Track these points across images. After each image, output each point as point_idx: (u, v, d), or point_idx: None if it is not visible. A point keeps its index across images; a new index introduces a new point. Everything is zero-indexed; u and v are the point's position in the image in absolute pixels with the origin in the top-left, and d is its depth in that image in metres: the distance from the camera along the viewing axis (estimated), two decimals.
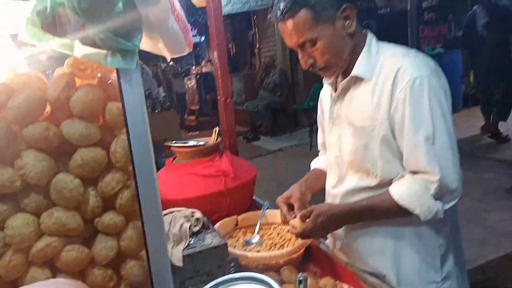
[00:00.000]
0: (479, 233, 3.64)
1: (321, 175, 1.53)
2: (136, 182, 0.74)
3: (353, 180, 1.28)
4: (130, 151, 0.73)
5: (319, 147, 1.61)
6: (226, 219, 1.60)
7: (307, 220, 1.22)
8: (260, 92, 8.07)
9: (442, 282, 1.22)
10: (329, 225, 1.22)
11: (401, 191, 1.14)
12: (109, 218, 0.74)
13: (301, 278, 0.81)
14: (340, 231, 1.35)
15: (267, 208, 1.70)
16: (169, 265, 0.77)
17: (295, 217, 1.33)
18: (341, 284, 1.30)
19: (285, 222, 1.40)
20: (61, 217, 0.70)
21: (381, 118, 1.15)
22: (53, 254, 0.70)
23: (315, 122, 1.63)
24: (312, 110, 6.86)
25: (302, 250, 1.43)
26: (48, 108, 0.74)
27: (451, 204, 1.13)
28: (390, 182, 1.21)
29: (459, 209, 1.34)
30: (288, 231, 1.60)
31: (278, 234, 1.60)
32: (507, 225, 3.81)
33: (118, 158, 0.74)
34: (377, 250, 1.27)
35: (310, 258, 1.45)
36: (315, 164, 1.61)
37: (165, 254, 0.75)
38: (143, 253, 0.81)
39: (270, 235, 1.59)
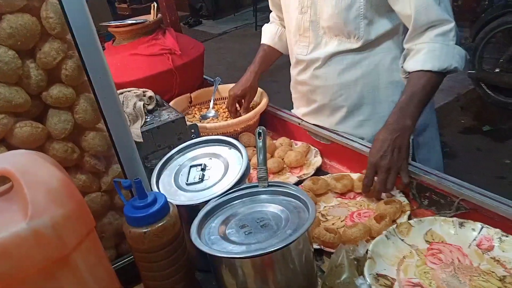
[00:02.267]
0: None
1: (272, 52, 1.52)
2: (78, 51, 0.70)
3: (331, 45, 1.22)
4: (65, 16, 0.67)
5: (271, 6, 1.52)
6: (179, 98, 1.60)
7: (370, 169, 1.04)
8: None
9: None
10: (401, 144, 1.03)
11: (427, 59, 1.06)
12: (57, 91, 0.71)
13: (260, 131, 0.86)
14: (317, 93, 1.32)
15: (219, 84, 1.70)
16: (128, 130, 0.78)
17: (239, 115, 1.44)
18: (295, 142, 1.41)
19: (232, 112, 1.50)
20: (4, 93, 0.66)
21: None
22: (4, 131, 0.68)
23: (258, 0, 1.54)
24: None
25: (258, 116, 1.49)
26: None
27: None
28: (372, 43, 1.18)
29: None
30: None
31: None
32: None
33: (52, 25, 0.68)
34: (355, 107, 1.28)
35: (265, 124, 1.52)
36: (266, 35, 1.54)
37: (122, 120, 0.75)
38: (102, 126, 0.80)
39: (225, 108, 1.63)
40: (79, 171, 0.80)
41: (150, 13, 1.73)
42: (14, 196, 0.59)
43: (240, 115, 1.48)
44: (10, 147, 0.70)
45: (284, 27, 1.45)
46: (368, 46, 1.19)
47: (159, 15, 1.71)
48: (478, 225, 0.86)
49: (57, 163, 0.66)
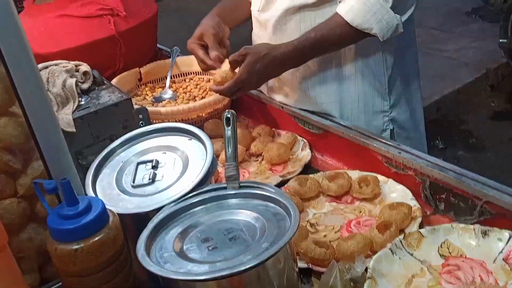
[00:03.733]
0: (435, 66, 4.03)
1: (238, 1, 1.51)
2: None
3: (285, 0, 1.30)
4: None
5: None
6: (124, 73, 1.60)
7: (238, 68, 1.24)
8: None
9: (390, 110, 1.38)
10: (269, 73, 1.26)
11: (354, 9, 1.19)
12: None
13: (228, 115, 0.86)
14: None
15: (178, 55, 1.70)
16: (54, 115, 0.77)
17: (219, 61, 1.33)
18: (277, 131, 1.42)
19: (205, 69, 1.41)
20: None
21: None
22: None
23: None
24: None
25: (228, 99, 1.49)
26: None
27: (408, 14, 1.23)
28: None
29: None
30: (209, 80, 1.64)
31: (197, 85, 1.65)
32: (466, 53, 4.24)
33: None
34: (316, 84, 1.36)
35: (238, 108, 1.53)
36: None
37: (45, 102, 0.74)
38: (17, 109, 0.79)
39: (186, 87, 1.64)
40: None
41: None
42: None
43: (222, 59, 1.35)
44: None
45: None
46: (325, 1, 1.26)
47: None
48: (506, 234, 0.89)
49: None
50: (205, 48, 1.36)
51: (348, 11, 1.20)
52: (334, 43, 1.26)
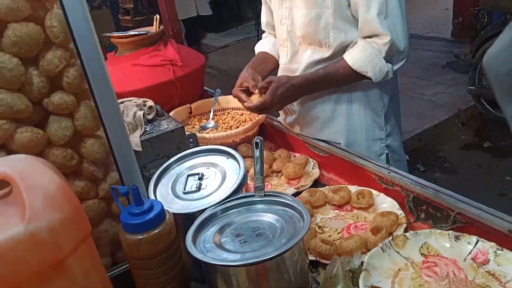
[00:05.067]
0: (417, 107, 3.98)
1: (267, 57, 1.52)
2: (81, 59, 0.72)
3: (307, 54, 1.32)
4: (69, 25, 0.69)
5: (263, 27, 1.59)
6: (179, 108, 1.62)
7: (266, 93, 1.27)
8: None
9: (386, 138, 1.38)
10: (288, 96, 1.28)
11: (355, 56, 1.22)
12: (59, 98, 0.73)
13: (257, 141, 0.87)
14: (294, 104, 1.41)
15: (219, 95, 1.72)
16: (127, 137, 0.79)
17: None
18: (293, 153, 1.42)
19: (248, 108, 1.37)
20: (6, 99, 0.67)
21: None
22: (5, 137, 0.69)
23: (260, 14, 1.57)
24: (257, 0, 6.55)
25: (257, 128, 1.51)
26: None
27: (399, 65, 1.25)
28: (343, 52, 1.27)
29: (400, 87, 1.47)
30: (242, 114, 1.66)
31: (233, 117, 1.66)
32: (442, 97, 4.18)
33: (56, 34, 0.70)
34: (330, 116, 1.36)
35: (264, 135, 1.54)
36: (259, 47, 1.58)
37: (121, 128, 0.76)
38: (101, 133, 0.82)
39: (225, 119, 1.65)
40: (77, 177, 0.81)
41: (152, 25, 1.77)
42: (12, 199, 0.60)
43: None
44: (10, 152, 0.71)
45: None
46: (339, 54, 1.27)
47: (161, 27, 1.75)
48: (474, 238, 0.86)
49: (56, 169, 0.67)
50: (245, 92, 1.36)
51: (351, 57, 1.23)
52: (338, 79, 1.27)
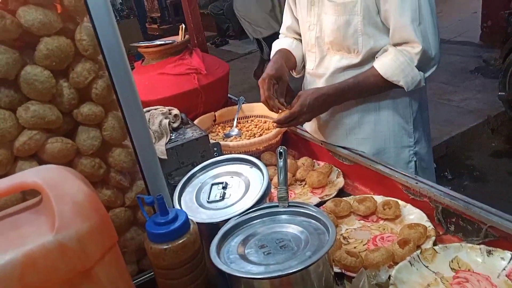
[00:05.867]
0: (444, 113, 3.87)
1: (288, 53, 1.46)
2: (109, 71, 0.73)
3: (334, 60, 1.30)
4: (97, 38, 0.71)
5: (284, 30, 1.55)
6: (204, 116, 1.63)
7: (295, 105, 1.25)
8: None
9: (414, 145, 1.34)
10: (318, 106, 1.25)
11: (386, 65, 1.19)
12: (88, 109, 0.75)
13: (281, 150, 0.86)
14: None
15: (243, 103, 1.73)
16: (153, 147, 0.80)
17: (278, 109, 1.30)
18: (317, 162, 1.40)
19: (277, 121, 1.31)
20: (38, 110, 0.70)
21: None
22: (37, 146, 0.71)
23: None
24: None
25: (280, 136, 1.50)
26: None
27: (430, 72, 1.21)
28: (372, 58, 1.25)
29: (428, 93, 1.43)
30: (265, 122, 1.65)
31: (256, 125, 1.66)
32: (470, 103, 4.05)
33: (85, 47, 0.72)
34: (356, 121, 1.34)
35: (287, 143, 1.53)
36: (278, 45, 1.51)
37: (147, 137, 0.77)
38: (128, 142, 0.83)
39: (248, 127, 1.65)
40: (104, 186, 0.82)
41: (178, 34, 1.79)
42: (42, 208, 0.61)
43: (278, 101, 1.31)
44: (41, 162, 0.73)
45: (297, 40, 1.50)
46: (368, 60, 1.24)
47: (187, 36, 1.77)
48: (508, 254, 0.82)
49: (84, 178, 0.68)
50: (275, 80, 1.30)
51: (382, 65, 1.20)
52: (368, 89, 1.25)
